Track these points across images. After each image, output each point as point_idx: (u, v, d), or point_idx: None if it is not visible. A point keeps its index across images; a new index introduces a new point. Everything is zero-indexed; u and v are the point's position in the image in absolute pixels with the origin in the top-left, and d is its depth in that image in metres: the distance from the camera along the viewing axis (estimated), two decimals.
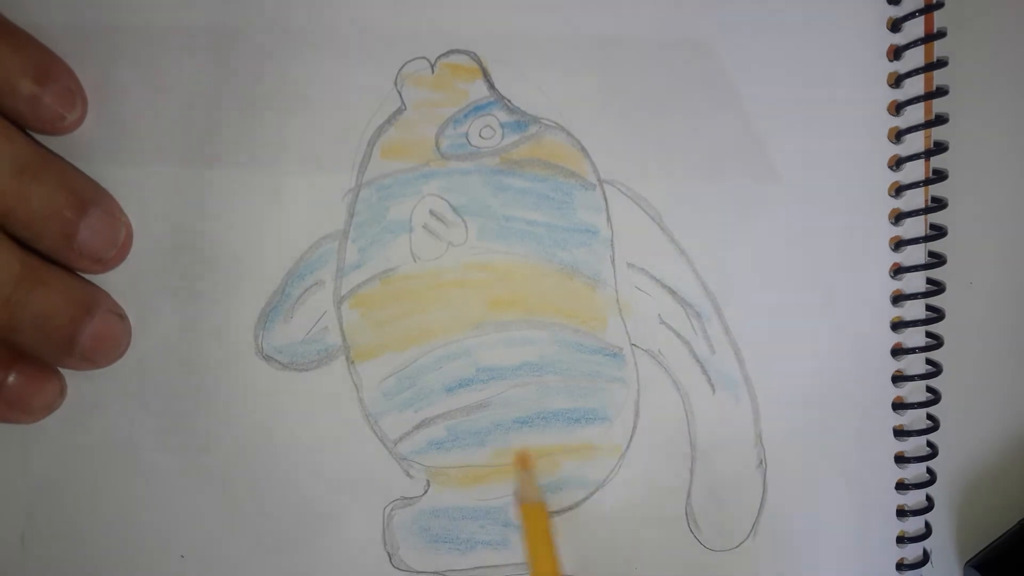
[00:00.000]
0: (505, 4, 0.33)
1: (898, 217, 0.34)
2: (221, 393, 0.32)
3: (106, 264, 0.32)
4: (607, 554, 0.33)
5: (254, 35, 0.33)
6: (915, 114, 0.34)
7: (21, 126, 0.30)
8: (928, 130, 0.34)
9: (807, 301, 0.34)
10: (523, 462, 0.33)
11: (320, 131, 0.33)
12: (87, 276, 0.32)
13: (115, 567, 0.32)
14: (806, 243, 0.34)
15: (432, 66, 0.33)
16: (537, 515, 0.32)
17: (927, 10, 0.33)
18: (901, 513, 0.34)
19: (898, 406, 0.34)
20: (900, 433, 0.34)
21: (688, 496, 0.33)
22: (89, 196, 0.31)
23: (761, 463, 0.34)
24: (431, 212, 0.33)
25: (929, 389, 0.34)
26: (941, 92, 0.33)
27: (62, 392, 0.32)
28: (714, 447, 0.33)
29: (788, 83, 0.33)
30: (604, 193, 0.33)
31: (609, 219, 0.33)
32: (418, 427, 0.33)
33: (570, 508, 0.33)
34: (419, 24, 0.33)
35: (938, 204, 0.34)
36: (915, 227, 0.34)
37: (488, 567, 0.33)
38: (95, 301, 0.31)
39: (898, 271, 0.34)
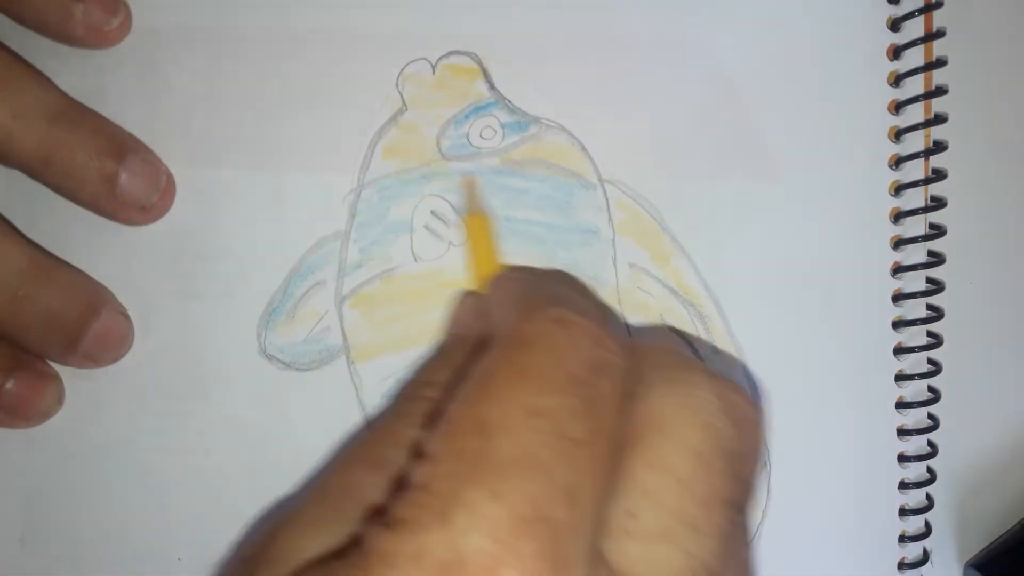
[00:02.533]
0: (505, 4, 0.33)
1: (898, 216, 0.34)
2: (222, 393, 0.32)
3: (150, 212, 0.32)
4: None
5: (254, 35, 0.33)
6: (915, 113, 0.34)
7: (65, 41, 0.31)
8: (928, 129, 0.34)
9: (809, 300, 0.34)
10: (469, 183, 0.33)
11: (321, 132, 0.33)
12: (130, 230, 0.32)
13: (114, 568, 0.32)
14: (807, 242, 0.34)
15: (433, 67, 0.33)
16: (481, 225, 0.32)
17: (927, 10, 0.33)
18: (902, 512, 0.34)
19: (901, 405, 0.34)
20: (903, 432, 0.34)
21: None
22: (126, 143, 0.31)
23: (765, 465, 0.33)
24: (432, 212, 0.33)
25: (930, 388, 0.34)
26: (941, 91, 0.33)
27: (60, 399, 0.32)
28: None
29: (788, 82, 0.33)
30: (605, 193, 0.33)
31: (610, 219, 0.33)
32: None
33: None
34: (419, 25, 0.33)
35: (937, 203, 0.34)
36: (915, 226, 0.34)
37: None
38: (101, 299, 0.31)
39: (898, 270, 0.34)
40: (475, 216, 0.32)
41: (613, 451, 0.21)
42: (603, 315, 0.25)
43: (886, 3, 0.33)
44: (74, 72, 0.32)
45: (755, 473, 0.23)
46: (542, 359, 0.21)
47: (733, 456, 0.22)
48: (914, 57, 0.33)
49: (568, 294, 0.25)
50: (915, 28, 0.33)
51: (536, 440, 0.20)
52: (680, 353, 0.24)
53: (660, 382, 0.23)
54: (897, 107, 0.34)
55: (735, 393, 0.23)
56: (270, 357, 0.32)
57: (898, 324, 0.34)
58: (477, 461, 0.19)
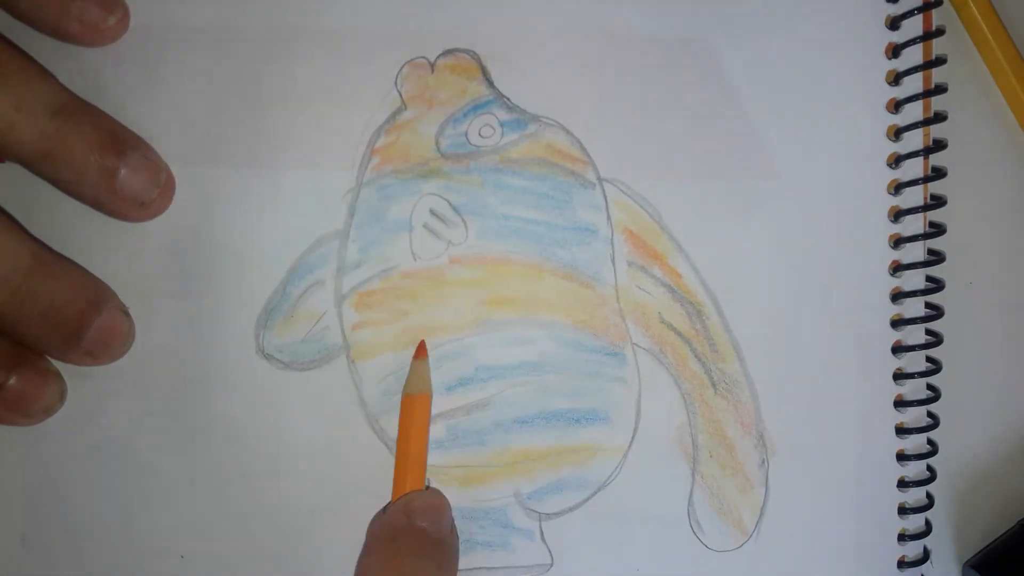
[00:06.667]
0: (504, 3, 0.33)
1: (897, 214, 0.34)
2: (221, 393, 0.32)
3: (149, 209, 0.32)
4: (609, 555, 0.33)
5: (254, 35, 0.33)
6: (914, 112, 0.34)
7: (61, 38, 0.31)
8: (927, 128, 0.34)
9: (807, 299, 0.34)
10: (420, 351, 0.32)
11: (320, 131, 0.33)
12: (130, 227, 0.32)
13: (115, 567, 0.32)
14: (806, 240, 0.34)
15: (432, 65, 0.33)
16: (419, 406, 0.31)
17: (925, 8, 0.33)
18: (902, 511, 0.34)
19: (899, 404, 0.34)
20: (902, 431, 0.34)
21: (690, 496, 0.33)
22: (127, 139, 0.31)
23: (763, 462, 0.33)
24: (431, 211, 0.33)
25: (929, 387, 0.34)
26: (940, 90, 0.34)
27: (62, 396, 0.32)
28: (716, 447, 0.33)
29: (787, 80, 0.34)
30: (604, 191, 0.33)
31: (609, 217, 0.33)
32: None
33: (571, 509, 0.33)
34: (419, 23, 0.33)
35: (937, 202, 0.34)
36: (914, 224, 0.34)
37: (487, 568, 0.33)
38: (103, 296, 0.31)
39: (897, 268, 0.34)
40: (418, 395, 0.32)
41: None
42: None
43: (885, 2, 0.34)
44: (73, 69, 0.32)
45: None
46: None
47: None
48: (913, 55, 0.33)
49: None
50: (914, 27, 0.33)
51: None
52: None
53: None
54: (896, 105, 0.34)
55: None
56: (268, 356, 0.32)
57: (897, 322, 0.34)
58: None
